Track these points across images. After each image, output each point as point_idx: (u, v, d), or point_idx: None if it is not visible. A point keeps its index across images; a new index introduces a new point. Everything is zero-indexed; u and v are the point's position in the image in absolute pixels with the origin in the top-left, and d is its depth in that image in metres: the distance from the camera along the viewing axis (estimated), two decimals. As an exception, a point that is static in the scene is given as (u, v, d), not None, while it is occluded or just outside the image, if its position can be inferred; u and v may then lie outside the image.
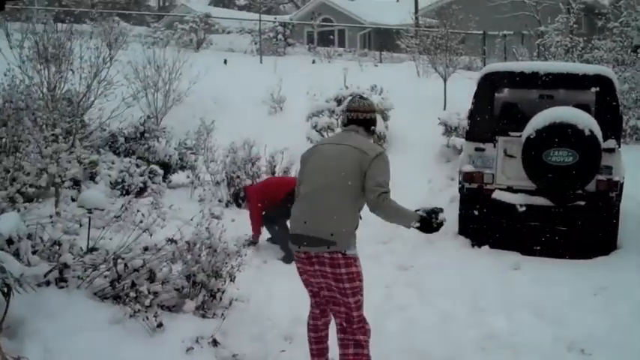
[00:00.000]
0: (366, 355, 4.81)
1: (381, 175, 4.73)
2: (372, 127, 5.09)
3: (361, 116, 5.02)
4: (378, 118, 15.27)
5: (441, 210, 4.87)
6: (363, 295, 4.90)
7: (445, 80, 19.19)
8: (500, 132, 9.11)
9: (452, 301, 7.07)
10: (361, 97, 5.16)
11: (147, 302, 5.35)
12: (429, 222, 4.80)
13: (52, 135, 7.71)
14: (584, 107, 8.90)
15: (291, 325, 6.09)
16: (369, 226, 9.74)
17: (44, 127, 7.65)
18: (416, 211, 4.79)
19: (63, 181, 7.74)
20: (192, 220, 6.19)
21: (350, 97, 5.15)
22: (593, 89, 9.11)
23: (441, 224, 4.86)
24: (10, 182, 6.77)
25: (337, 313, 4.86)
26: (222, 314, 5.74)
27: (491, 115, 9.43)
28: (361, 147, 4.78)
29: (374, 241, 9.33)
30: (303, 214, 4.79)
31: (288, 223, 5.26)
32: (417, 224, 4.77)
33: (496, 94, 9.79)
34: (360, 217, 4.89)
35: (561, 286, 7.51)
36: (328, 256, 4.66)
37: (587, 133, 8.23)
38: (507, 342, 6.06)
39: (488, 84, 9.37)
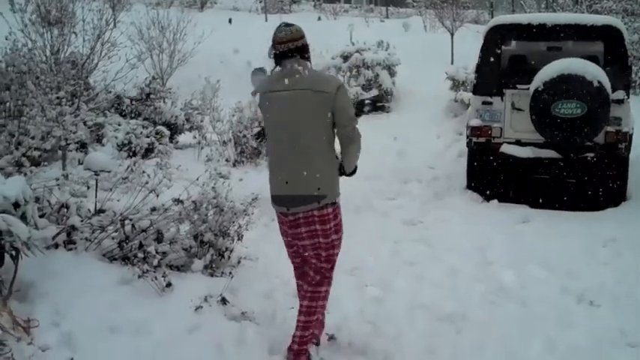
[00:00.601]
0: (321, 306, 4.82)
1: (349, 107, 4.61)
2: (307, 54, 4.63)
3: (292, 45, 4.53)
4: (385, 74, 15.31)
5: None
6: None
7: (452, 34, 19.05)
8: (508, 85, 9.03)
9: (460, 256, 7.07)
10: (286, 25, 4.64)
11: (155, 262, 5.35)
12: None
13: (57, 98, 7.67)
14: (592, 58, 8.80)
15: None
16: (378, 182, 9.83)
17: (48, 90, 7.60)
18: None
19: (68, 144, 7.73)
20: (198, 179, 6.17)
21: (275, 31, 4.60)
22: (602, 40, 9.00)
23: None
24: (16, 146, 6.76)
25: (312, 265, 4.77)
26: (231, 273, 5.75)
27: (499, 68, 9.33)
28: (315, 86, 4.45)
29: (382, 197, 9.34)
30: (282, 174, 4.59)
31: None
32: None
33: (503, 47, 9.68)
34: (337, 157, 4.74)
35: (570, 239, 7.50)
36: (317, 213, 4.53)
37: (595, 84, 8.14)
38: (516, 295, 6.07)
39: (495, 37, 9.27)
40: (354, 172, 4.85)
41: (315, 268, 4.76)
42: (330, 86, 4.49)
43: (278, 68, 4.62)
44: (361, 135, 4.70)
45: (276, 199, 4.66)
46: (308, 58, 4.64)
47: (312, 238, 4.66)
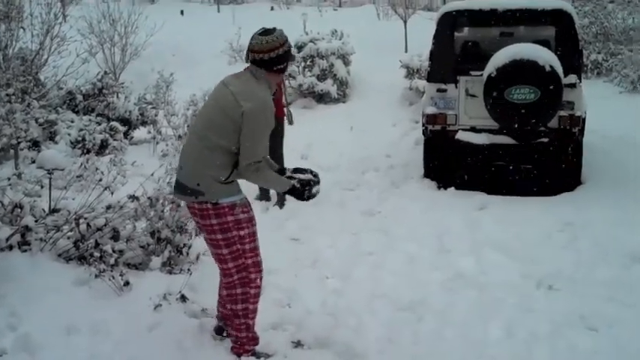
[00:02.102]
0: (241, 310, 4.61)
1: (251, 139, 4.28)
2: (277, 67, 4.45)
3: (257, 57, 4.38)
4: (339, 63, 15.31)
5: (318, 181, 4.71)
6: (247, 243, 4.51)
7: (405, 22, 19.11)
8: (462, 72, 9.06)
9: (419, 244, 7.09)
10: (264, 32, 4.42)
11: (112, 261, 5.30)
12: (301, 193, 4.64)
13: (6, 95, 7.54)
14: (544, 43, 8.86)
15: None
16: (335, 173, 9.83)
17: (-3, 87, 7.48)
18: (290, 177, 4.63)
19: (20, 142, 7.59)
20: (152, 175, 6.11)
21: (274, 37, 4.40)
22: (553, 25, 9.09)
23: (313, 196, 4.69)
24: (-35, 146, 6.64)
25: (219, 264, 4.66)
26: (189, 269, 5.69)
27: (452, 55, 9.37)
28: (238, 94, 4.30)
29: (340, 187, 9.33)
30: (180, 159, 4.53)
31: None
32: (288, 191, 4.63)
33: (456, 34, 9.73)
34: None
35: (528, 224, 7.57)
36: (197, 206, 4.43)
37: (547, 69, 8.21)
38: (475, 282, 6.11)
39: (448, 23, 9.29)
40: (291, 191, 4.64)
41: (222, 270, 4.68)
42: (247, 102, 4.27)
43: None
44: (259, 177, 4.47)
45: (175, 185, 4.59)
46: (278, 71, 4.49)
47: (208, 233, 4.53)
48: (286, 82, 14.89)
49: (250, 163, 4.30)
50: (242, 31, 17.33)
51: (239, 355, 4.68)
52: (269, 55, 4.36)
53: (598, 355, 4.82)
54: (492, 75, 8.39)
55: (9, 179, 6.00)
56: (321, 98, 15.22)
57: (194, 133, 4.50)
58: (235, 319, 4.63)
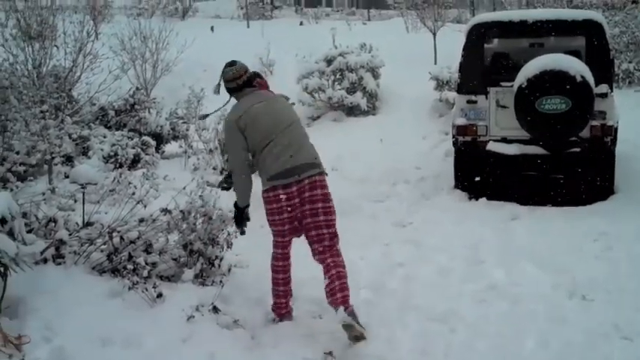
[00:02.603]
0: (340, 259, 5.40)
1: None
2: (254, 82, 5.64)
3: (240, 81, 5.53)
4: (369, 76, 15.31)
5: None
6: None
7: (434, 34, 19.08)
8: (492, 83, 9.05)
9: (450, 256, 7.07)
10: (230, 65, 5.63)
11: (145, 273, 5.33)
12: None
13: (40, 112, 7.64)
14: (574, 53, 8.83)
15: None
16: (366, 185, 9.84)
17: (31, 104, 7.57)
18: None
19: (54, 158, 7.69)
20: (184, 188, 6.15)
21: (223, 69, 5.66)
22: (583, 35, 9.04)
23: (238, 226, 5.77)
24: (1, 162, 6.73)
25: (318, 236, 5.36)
26: (221, 281, 5.70)
27: (482, 66, 9.35)
28: (277, 96, 5.69)
29: (370, 199, 9.34)
30: (285, 153, 5.29)
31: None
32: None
33: (485, 45, 9.70)
34: None
35: (560, 234, 7.52)
36: (319, 177, 5.34)
37: (578, 79, 8.18)
38: (508, 292, 6.06)
39: (477, 35, 9.29)
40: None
41: (321, 238, 5.36)
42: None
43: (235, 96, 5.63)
44: None
45: (285, 173, 5.26)
46: (255, 85, 5.64)
47: (313, 203, 5.31)
48: (316, 95, 14.96)
49: None
50: (271, 46, 17.42)
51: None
52: (247, 75, 5.61)
53: (634, 365, 4.77)
54: (523, 86, 8.38)
55: (43, 194, 6.06)
56: (351, 111, 15.21)
57: (283, 133, 5.37)
58: (344, 278, 5.30)
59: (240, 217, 5.66)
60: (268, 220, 5.46)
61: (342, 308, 5.10)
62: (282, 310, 5.57)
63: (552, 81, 8.23)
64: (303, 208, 5.33)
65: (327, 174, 5.47)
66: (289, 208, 5.32)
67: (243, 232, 5.79)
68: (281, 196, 5.27)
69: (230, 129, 5.44)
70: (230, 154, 5.61)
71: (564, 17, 9.12)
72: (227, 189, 5.90)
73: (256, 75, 5.81)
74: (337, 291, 5.21)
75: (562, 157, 8.66)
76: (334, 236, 5.42)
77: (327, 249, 5.36)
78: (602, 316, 5.48)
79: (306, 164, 5.31)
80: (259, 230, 7.22)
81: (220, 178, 8.59)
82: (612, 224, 7.70)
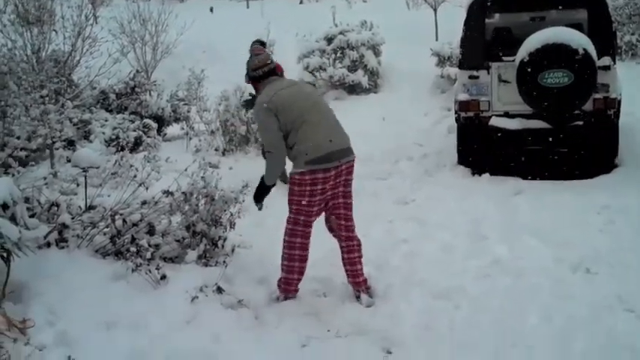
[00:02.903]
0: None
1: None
2: (279, 72, 5.72)
3: (267, 68, 5.60)
4: (370, 54, 15.26)
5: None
6: None
7: (435, 10, 19.01)
8: (494, 58, 9.00)
9: (454, 232, 7.06)
10: (255, 55, 5.66)
11: (148, 255, 5.34)
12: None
13: (40, 97, 7.62)
14: (576, 26, 8.78)
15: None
16: (368, 163, 9.82)
17: (31, 89, 7.55)
18: None
19: (55, 142, 7.68)
20: (186, 170, 6.14)
21: (249, 59, 5.69)
22: (585, 7, 8.98)
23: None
24: (1, 147, 6.72)
25: (346, 215, 5.62)
26: (224, 262, 5.71)
27: (483, 41, 9.30)
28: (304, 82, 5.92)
29: (373, 177, 9.31)
30: (324, 135, 5.34)
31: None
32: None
33: (487, 20, 9.63)
34: None
35: (564, 208, 7.50)
36: (353, 163, 5.49)
37: (581, 52, 8.13)
38: (512, 267, 6.05)
39: (478, 9, 9.22)
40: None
41: (346, 217, 5.61)
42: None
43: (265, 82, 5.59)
44: None
45: (327, 157, 5.29)
46: (279, 74, 5.71)
47: (347, 186, 5.53)
48: (317, 74, 14.91)
49: None
50: (271, 25, 17.32)
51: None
52: (273, 63, 5.69)
53: (638, 337, 4.75)
54: (525, 60, 8.33)
55: (45, 178, 6.07)
56: (353, 89, 15.18)
57: (321, 116, 5.47)
58: (360, 251, 5.67)
59: (264, 194, 5.68)
60: (295, 201, 5.41)
61: (366, 294, 5.57)
62: (291, 286, 5.54)
63: (554, 54, 8.18)
64: (337, 190, 5.48)
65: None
66: (323, 191, 5.39)
67: (260, 208, 5.80)
68: (319, 180, 5.30)
69: (262, 111, 5.39)
70: (266, 135, 5.48)
71: (565, -11, 9.05)
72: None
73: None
74: (360, 274, 5.61)
75: (565, 130, 8.62)
76: (352, 217, 5.69)
77: (350, 228, 5.64)
78: (606, 289, 5.47)
79: (345, 149, 5.42)
80: (263, 211, 7.25)
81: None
82: (615, 197, 7.68)
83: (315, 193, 5.35)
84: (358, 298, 5.54)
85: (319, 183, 5.31)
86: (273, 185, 5.67)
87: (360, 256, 5.64)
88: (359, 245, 5.65)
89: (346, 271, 5.62)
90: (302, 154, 5.27)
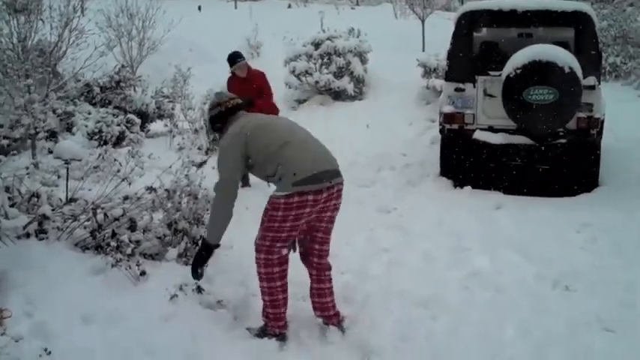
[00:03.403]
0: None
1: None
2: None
3: (228, 106, 5.18)
4: (356, 61, 15.29)
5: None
6: None
7: (423, 21, 19.06)
8: (480, 71, 9.04)
9: (435, 242, 7.08)
10: (217, 94, 5.45)
11: (128, 251, 5.30)
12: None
13: (26, 86, 7.56)
14: (563, 44, 8.85)
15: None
16: (351, 171, 9.82)
17: (16, 78, 7.48)
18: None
19: (38, 133, 7.61)
20: (170, 167, 6.11)
21: (209, 102, 5.54)
22: (572, 26, 9.04)
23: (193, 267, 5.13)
24: (-16, 135, 6.65)
25: (322, 240, 5.13)
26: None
27: (470, 54, 9.36)
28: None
29: (356, 184, 9.31)
30: (315, 154, 4.87)
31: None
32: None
33: (475, 34, 9.70)
34: None
35: (544, 225, 7.55)
36: (342, 186, 4.99)
37: (566, 70, 8.18)
38: (491, 281, 6.07)
39: (466, 23, 9.27)
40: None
41: (322, 242, 5.12)
42: None
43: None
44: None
45: (318, 176, 4.75)
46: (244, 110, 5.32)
47: (334, 211, 5.03)
48: (303, 79, 14.91)
49: None
50: (259, 27, 17.35)
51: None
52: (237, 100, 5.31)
53: (614, 356, 4.77)
54: (511, 75, 8.38)
55: (27, 168, 6.00)
56: (338, 96, 15.19)
57: (305, 137, 5.02)
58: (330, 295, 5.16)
59: (205, 258, 5.06)
60: (274, 229, 4.79)
61: (336, 327, 5.12)
62: (280, 321, 4.97)
63: (540, 71, 8.23)
64: (324, 213, 4.94)
65: None
66: (309, 214, 4.83)
67: (198, 277, 5.13)
68: (308, 203, 4.73)
69: (230, 137, 4.96)
70: (224, 162, 4.89)
71: (554, 8, 9.10)
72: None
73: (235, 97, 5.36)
74: (330, 307, 5.15)
75: (548, 147, 8.68)
76: (328, 243, 5.21)
77: (324, 255, 5.16)
78: (585, 307, 5.48)
79: (336, 170, 4.93)
80: (244, 212, 7.22)
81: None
82: (596, 216, 7.73)
83: (300, 217, 4.78)
84: (327, 326, 5.14)
85: (308, 206, 4.75)
86: (217, 246, 5.04)
87: (330, 288, 5.15)
88: (329, 275, 5.17)
89: (313, 303, 5.18)
90: (289, 174, 4.69)
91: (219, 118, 5.18)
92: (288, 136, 4.89)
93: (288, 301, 5.02)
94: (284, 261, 4.93)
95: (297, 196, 4.68)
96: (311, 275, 5.17)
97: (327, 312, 5.13)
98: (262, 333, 4.96)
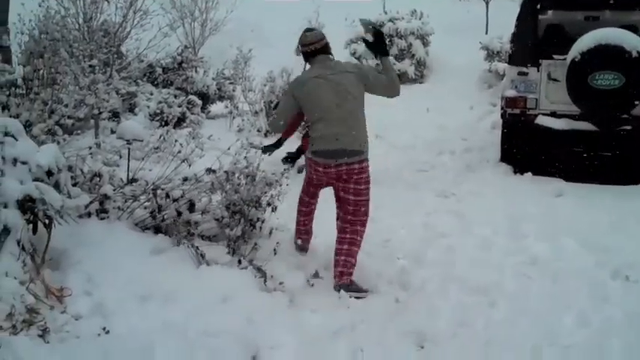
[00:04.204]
0: (359, 241, 5.76)
1: (373, 69, 6.22)
2: (329, 51, 5.86)
3: (319, 46, 5.77)
4: (418, 43, 15.19)
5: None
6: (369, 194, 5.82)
7: (487, 3, 18.78)
8: (544, 55, 8.86)
9: (493, 229, 6.99)
10: (308, 30, 5.95)
11: (189, 231, 5.37)
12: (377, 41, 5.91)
13: (90, 66, 7.67)
14: (630, 28, 8.61)
15: (327, 252, 6.06)
16: (410, 153, 9.78)
17: (81, 58, 7.60)
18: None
19: (101, 113, 7.73)
20: (229, 149, 6.14)
21: (302, 34, 5.90)
22: (641, 9, 8.82)
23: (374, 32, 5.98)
24: (49, 114, 6.77)
25: (343, 206, 5.82)
26: (255, 243, 5.74)
27: (535, 37, 9.18)
28: (347, 69, 5.73)
29: (414, 168, 9.27)
30: (332, 133, 5.57)
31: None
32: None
33: (540, 16, 9.49)
34: None
35: (605, 213, 7.38)
36: (358, 165, 5.60)
37: (634, 55, 7.98)
38: (549, 268, 5.98)
39: (532, 5, 9.11)
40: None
41: (348, 211, 5.74)
42: (356, 67, 5.93)
43: (308, 66, 5.91)
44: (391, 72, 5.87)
45: (328, 153, 5.59)
46: (330, 53, 5.87)
47: (347, 182, 5.67)
48: (363, 61, 14.85)
49: (384, 75, 5.85)
50: (320, 9, 17.25)
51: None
52: (323, 43, 5.81)
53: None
54: (576, 59, 8.20)
55: (90, 148, 6.10)
56: (399, 78, 15.09)
57: (337, 112, 5.58)
58: (354, 246, 5.70)
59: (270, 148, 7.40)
60: (305, 174, 6.04)
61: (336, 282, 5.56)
62: (300, 234, 6.13)
63: (606, 56, 8.03)
64: (337, 183, 5.75)
65: (367, 159, 5.72)
66: (322, 177, 5.78)
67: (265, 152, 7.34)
68: (319, 170, 5.72)
69: (288, 91, 6.01)
70: (280, 105, 6.11)
71: (622, -10, 8.88)
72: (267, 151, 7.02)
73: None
74: (338, 264, 5.61)
75: (612, 134, 8.48)
76: (358, 213, 5.75)
77: (346, 222, 5.76)
78: (645, 298, 5.38)
79: (349, 150, 5.56)
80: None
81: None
82: (660, 205, 7.54)
83: (313, 175, 5.85)
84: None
85: (319, 171, 5.73)
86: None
87: (343, 250, 5.66)
88: (350, 238, 5.72)
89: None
90: (312, 142, 5.74)
91: (303, 55, 5.91)
92: (326, 114, 5.61)
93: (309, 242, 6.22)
94: (308, 203, 6.08)
95: (312, 160, 5.75)
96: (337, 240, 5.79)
97: (335, 267, 5.63)
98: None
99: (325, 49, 5.81)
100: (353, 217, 5.73)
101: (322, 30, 6.31)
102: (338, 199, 5.89)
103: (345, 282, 5.50)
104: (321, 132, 5.62)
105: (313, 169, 5.78)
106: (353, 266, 5.61)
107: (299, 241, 6.13)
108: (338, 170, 5.61)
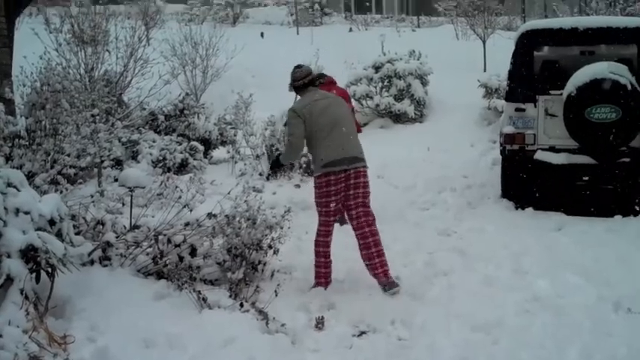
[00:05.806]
0: (380, 239, 6.43)
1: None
2: (316, 83, 6.95)
3: (307, 80, 6.62)
4: (417, 83, 15.32)
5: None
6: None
7: (484, 42, 18.99)
8: (541, 91, 8.96)
9: (495, 265, 7.00)
10: (297, 67, 6.75)
11: (190, 276, 5.40)
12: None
13: (91, 116, 7.76)
14: (626, 62, 8.70)
15: (328, 293, 6.07)
16: (411, 193, 9.82)
17: (82, 108, 7.70)
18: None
19: (103, 161, 7.81)
20: (229, 193, 6.20)
21: (292, 70, 6.72)
22: (635, 43, 8.90)
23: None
24: (51, 164, 6.84)
25: (355, 205, 6.42)
26: (257, 286, 5.74)
27: (531, 74, 9.26)
28: (329, 96, 6.80)
29: (416, 207, 9.32)
30: (338, 144, 6.34)
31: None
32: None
33: (535, 53, 9.60)
34: None
35: (607, 246, 7.40)
36: (362, 169, 6.43)
37: (629, 87, 8.06)
38: (552, 303, 5.97)
39: (527, 42, 9.21)
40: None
41: (362, 212, 6.42)
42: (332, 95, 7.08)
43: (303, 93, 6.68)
44: None
45: (337, 162, 6.30)
46: (316, 85, 6.91)
47: (357, 188, 6.39)
48: (363, 102, 14.99)
49: None
50: (320, 52, 17.45)
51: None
52: (310, 77, 6.68)
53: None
54: (572, 94, 8.29)
55: (92, 196, 6.17)
56: (398, 118, 15.22)
57: (338, 128, 6.41)
58: (380, 245, 6.39)
59: (277, 166, 7.58)
60: (318, 202, 6.43)
61: (385, 283, 6.27)
62: (320, 278, 6.40)
63: (602, 89, 8.12)
64: (347, 191, 6.38)
65: (367, 167, 6.53)
66: (336, 191, 6.33)
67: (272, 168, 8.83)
68: (331, 181, 6.28)
69: (294, 114, 6.48)
70: (292, 132, 6.53)
71: (616, 25, 9.00)
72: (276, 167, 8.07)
73: (320, 75, 7.46)
74: (378, 266, 6.31)
75: (611, 167, 8.53)
76: (368, 203, 6.49)
77: (361, 214, 6.41)
78: (648, 330, 5.37)
79: (353, 157, 6.38)
80: (304, 236, 7.29)
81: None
82: (661, 237, 7.55)
83: (329, 194, 6.34)
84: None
85: (332, 184, 6.31)
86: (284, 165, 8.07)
87: (374, 253, 6.31)
88: (373, 240, 6.36)
89: (365, 265, 6.40)
90: (319, 159, 6.38)
91: (295, 89, 6.75)
92: (328, 130, 6.37)
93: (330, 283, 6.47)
94: (326, 234, 6.53)
95: (324, 176, 6.33)
96: (359, 239, 6.42)
97: (375, 270, 6.34)
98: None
99: (313, 82, 6.72)
100: (365, 209, 6.43)
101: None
102: (349, 206, 6.44)
103: (392, 280, 6.30)
104: (328, 146, 6.33)
105: (325, 182, 6.34)
106: (387, 263, 6.35)
107: (318, 283, 6.44)
108: (347, 174, 6.33)
